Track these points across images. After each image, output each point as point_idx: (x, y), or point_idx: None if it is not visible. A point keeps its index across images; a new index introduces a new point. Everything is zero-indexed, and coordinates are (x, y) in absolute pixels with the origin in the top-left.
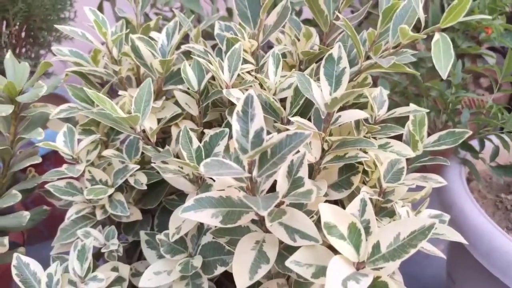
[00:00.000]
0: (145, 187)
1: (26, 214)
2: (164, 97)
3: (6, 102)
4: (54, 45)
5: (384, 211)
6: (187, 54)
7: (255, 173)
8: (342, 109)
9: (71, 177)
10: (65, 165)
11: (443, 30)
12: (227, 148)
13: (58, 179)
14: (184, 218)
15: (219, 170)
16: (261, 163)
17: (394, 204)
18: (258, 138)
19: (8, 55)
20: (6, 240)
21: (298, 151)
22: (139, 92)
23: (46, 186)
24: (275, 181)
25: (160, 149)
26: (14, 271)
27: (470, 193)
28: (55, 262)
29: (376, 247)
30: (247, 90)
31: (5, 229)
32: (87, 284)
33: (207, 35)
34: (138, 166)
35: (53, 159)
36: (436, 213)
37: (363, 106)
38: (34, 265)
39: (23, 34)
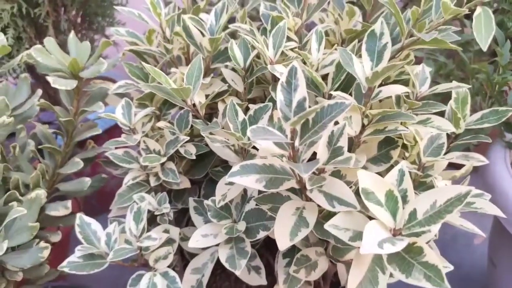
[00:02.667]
0: (194, 157)
1: (88, 180)
2: (211, 75)
3: (70, 77)
4: (107, 30)
5: (423, 185)
6: (233, 36)
7: (297, 141)
8: (382, 86)
9: (128, 147)
10: (123, 135)
11: (494, 12)
12: (270, 118)
13: (116, 148)
14: (229, 187)
15: (264, 136)
16: (303, 131)
17: (433, 178)
18: (301, 107)
19: (71, 35)
20: (69, 203)
21: (337, 122)
22: (190, 68)
23: (107, 153)
24: (315, 154)
25: (208, 122)
26: (77, 229)
27: None
28: (113, 223)
29: (413, 214)
30: None
31: (68, 193)
32: (142, 242)
33: (251, 18)
34: (188, 138)
35: (107, 136)
36: (477, 192)
37: (405, 84)
38: (94, 225)
39: (79, 20)
